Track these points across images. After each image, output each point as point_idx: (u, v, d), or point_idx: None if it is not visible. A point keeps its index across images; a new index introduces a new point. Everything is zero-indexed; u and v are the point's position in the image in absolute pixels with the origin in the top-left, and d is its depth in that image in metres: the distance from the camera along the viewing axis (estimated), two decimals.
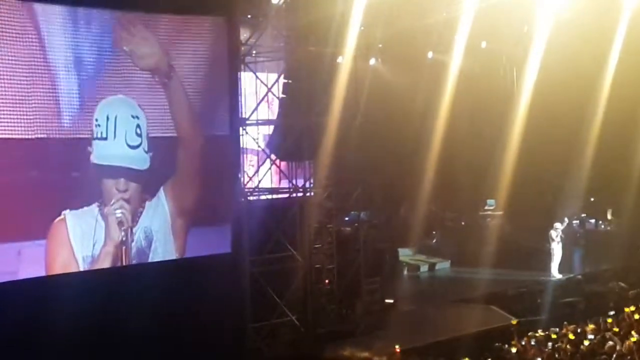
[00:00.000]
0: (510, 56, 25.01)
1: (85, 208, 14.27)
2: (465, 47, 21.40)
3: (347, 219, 20.96)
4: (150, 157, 15.02)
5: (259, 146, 17.52)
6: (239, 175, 16.74)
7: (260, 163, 17.44)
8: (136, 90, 15.03)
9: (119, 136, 14.64)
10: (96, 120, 14.36)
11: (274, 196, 17.93)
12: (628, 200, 23.33)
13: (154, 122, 15.21)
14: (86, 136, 14.32)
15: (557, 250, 21.82)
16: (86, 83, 14.30)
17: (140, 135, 14.93)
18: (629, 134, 23.17)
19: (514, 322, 16.23)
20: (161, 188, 15.33)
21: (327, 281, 17.80)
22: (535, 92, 22.10)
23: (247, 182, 17.09)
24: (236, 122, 16.54)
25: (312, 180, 17.56)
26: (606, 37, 22.12)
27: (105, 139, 14.48)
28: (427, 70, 23.58)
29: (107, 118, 14.49)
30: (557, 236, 21.82)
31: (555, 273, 21.72)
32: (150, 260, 15.16)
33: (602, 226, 26.37)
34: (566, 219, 22.38)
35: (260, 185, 17.36)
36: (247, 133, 17.03)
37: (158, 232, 15.24)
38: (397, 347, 14.53)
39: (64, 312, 13.07)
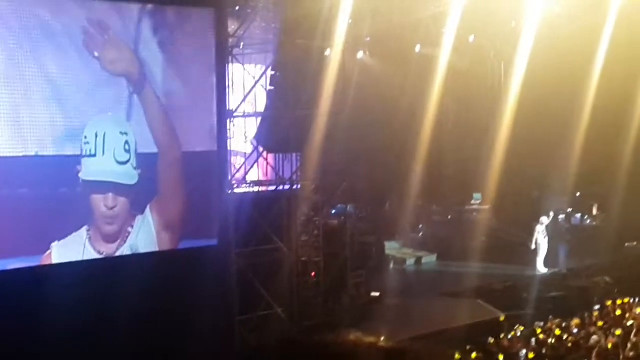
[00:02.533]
0: (498, 51, 25.05)
1: (75, 234, 14.35)
2: (453, 41, 21.40)
3: (334, 212, 20.96)
4: (139, 174, 15.08)
5: (245, 138, 17.50)
6: (226, 171, 16.74)
7: (247, 157, 17.43)
8: (122, 106, 15.04)
9: (108, 152, 14.72)
10: (85, 137, 14.44)
11: (261, 188, 17.91)
12: (614, 195, 23.42)
13: (140, 138, 15.24)
14: (75, 153, 14.34)
15: (542, 244, 21.88)
16: (72, 98, 14.33)
17: (128, 152, 14.99)
18: (616, 129, 23.25)
19: (502, 318, 16.32)
20: (147, 205, 15.37)
21: (313, 274, 17.78)
22: (522, 87, 22.14)
23: (234, 174, 17.08)
24: (223, 114, 16.51)
25: (299, 173, 17.55)
26: (594, 33, 22.15)
27: (94, 155, 14.56)
28: (415, 64, 23.56)
29: (96, 135, 14.56)
30: (542, 231, 21.88)
31: (541, 267, 21.79)
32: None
33: (588, 221, 26.46)
34: (552, 213, 22.42)
35: (247, 178, 17.35)
36: (234, 125, 17.03)
37: (145, 249, 15.30)
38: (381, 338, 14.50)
39: (48, 304, 13.05)
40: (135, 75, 15.16)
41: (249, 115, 17.68)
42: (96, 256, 14.61)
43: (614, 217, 23.77)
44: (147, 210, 15.36)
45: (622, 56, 22.13)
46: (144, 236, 15.28)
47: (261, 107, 17.71)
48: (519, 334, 14.93)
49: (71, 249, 14.33)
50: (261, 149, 17.30)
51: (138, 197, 15.18)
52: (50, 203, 14.10)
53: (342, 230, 19.08)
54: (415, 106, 22.55)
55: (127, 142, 14.96)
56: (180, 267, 15.30)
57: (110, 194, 14.72)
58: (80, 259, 14.40)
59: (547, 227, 21.99)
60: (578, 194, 25.93)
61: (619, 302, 16.67)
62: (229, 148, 16.85)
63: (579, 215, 26.65)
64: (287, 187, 17.37)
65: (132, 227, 15.11)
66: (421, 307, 19.07)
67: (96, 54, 14.64)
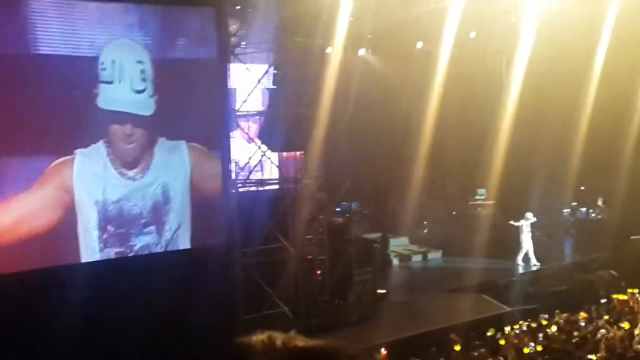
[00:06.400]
0: (499, 46, 25.01)
1: (94, 145, 14.70)
2: (454, 37, 21.38)
3: (338, 209, 20.95)
4: (154, 101, 15.38)
5: (249, 137, 17.51)
6: (228, 168, 16.76)
7: (250, 157, 17.44)
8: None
9: (125, 81, 15.00)
10: (102, 63, 14.71)
11: (265, 188, 17.91)
12: (618, 188, 23.39)
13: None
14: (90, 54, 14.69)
15: (526, 240, 22.00)
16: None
17: (145, 80, 15.26)
18: (619, 121, 23.21)
19: (508, 313, 16.34)
20: (184, 144, 15.82)
21: (318, 272, 17.78)
22: (524, 82, 22.12)
23: (238, 173, 17.10)
24: (226, 114, 16.53)
25: (302, 172, 17.55)
26: (595, 27, 22.12)
27: (111, 82, 14.84)
28: (416, 61, 23.57)
29: (113, 62, 14.84)
30: (526, 226, 22.01)
31: (520, 262, 21.96)
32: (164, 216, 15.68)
33: (593, 215, 26.43)
34: (530, 214, 22.32)
35: (251, 177, 17.37)
36: (238, 125, 17.08)
37: (176, 190, 15.77)
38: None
39: (56, 304, 13.07)
40: None
41: (252, 115, 17.69)
42: (117, 177, 14.95)
43: (619, 210, 23.74)
44: (184, 151, 15.87)
45: (623, 49, 22.09)
46: (178, 179, 15.79)
47: (264, 106, 17.71)
48: (525, 328, 14.93)
49: (93, 162, 14.65)
50: (264, 148, 17.30)
51: (156, 125, 15.56)
52: (71, 108, 14.44)
53: (346, 228, 19.06)
54: (417, 103, 22.54)
55: (143, 71, 15.25)
56: (185, 267, 15.31)
57: (129, 125, 15.12)
58: (102, 175, 14.75)
59: (530, 224, 22.10)
60: (582, 188, 25.91)
61: (625, 295, 16.67)
62: (232, 147, 16.87)
63: (584, 209, 26.65)
64: (290, 185, 17.37)
65: (153, 154, 15.45)
66: (427, 304, 19.06)
67: None
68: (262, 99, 17.85)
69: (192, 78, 16.14)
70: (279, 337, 2.21)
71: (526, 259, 22.01)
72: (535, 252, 21.98)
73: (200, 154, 16.22)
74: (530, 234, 22.04)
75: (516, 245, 22.32)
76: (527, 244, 22.01)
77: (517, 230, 22.12)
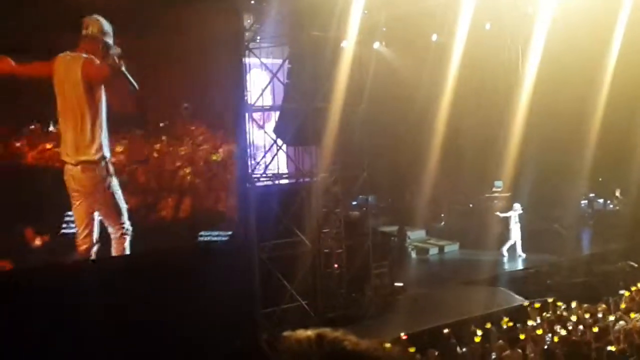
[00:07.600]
0: (514, 37, 24.90)
1: None
2: (469, 29, 21.30)
3: (354, 203, 20.94)
4: None
5: (265, 132, 17.53)
6: (245, 160, 16.77)
7: (266, 151, 17.46)
8: None
9: None
10: None
11: (281, 182, 17.93)
12: (636, 179, 23.26)
13: None
14: None
15: (515, 231, 22.00)
16: None
17: None
18: (635, 112, 23.08)
19: (526, 304, 16.32)
20: None
21: (336, 266, 17.79)
22: (540, 73, 22.03)
23: (254, 167, 17.12)
24: (242, 108, 16.55)
25: (318, 165, 17.55)
26: (610, 17, 22.00)
27: None
28: (431, 53, 23.50)
29: None
30: (514, 217, 22.01)
31: (505, 252, 22.18)
32: None
33: (611, 205, 26.30)
34: (518, 205, 22.35)
35: (267, 171, 17.39)
36: (253, 119, 17.09)
37: None
38: (402, 334, 14.52)
39: (71, 301, 13.09)
40: None
41: (268, 109, 17.71)
42: None
43: (637, 201, 23.62)
44: None
45: (639, 39, 21.95)
46: None
47: (279, 100, 17.71)
48: (539, 320, 14.89)
49: None
50: (280, 142, 17.31)
51: None
52: None
53: (363, 221, 19.06)
54: (432, 95, 22.49)
55: None
56: (202, 261, 15.32)
57: None
58: None
59: (518, 215, 22.15)
60: (600, 179, 25.79)
61: None
62: (248, 141, 16.89)
63: (601, 200, 26.53)
64: (307, 179, 17.37)
65: None
66: (445, 296, 19.02)
67: None
68: (275, 93, 17.85)
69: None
70: (327, 337, 2.15)
71: (512, 250, 22.12)
72: (553, 244, 21.94)
73: None
74: (518, 225, 22.10)
75: (534, 237, 22.31)
76: (515, 235, 22.09)
77: (506, 222, 22.21)
